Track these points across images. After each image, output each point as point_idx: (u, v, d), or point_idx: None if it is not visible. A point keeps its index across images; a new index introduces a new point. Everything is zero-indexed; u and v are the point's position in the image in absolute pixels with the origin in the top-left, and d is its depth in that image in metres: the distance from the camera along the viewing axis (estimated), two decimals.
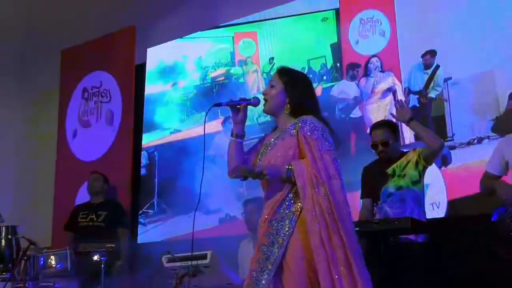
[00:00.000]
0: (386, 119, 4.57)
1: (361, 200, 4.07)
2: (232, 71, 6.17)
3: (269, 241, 2.63)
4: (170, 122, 6.45)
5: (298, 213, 2.62)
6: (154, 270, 4.77)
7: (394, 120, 4.12)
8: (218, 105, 2.85)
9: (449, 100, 4.77)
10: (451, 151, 4.60)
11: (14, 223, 5.33)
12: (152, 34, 6.63)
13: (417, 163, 3.81)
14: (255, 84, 6.05)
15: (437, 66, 4.86)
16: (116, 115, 6.74)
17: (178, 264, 4.21)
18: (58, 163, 7.06)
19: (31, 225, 6.17)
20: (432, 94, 4.86)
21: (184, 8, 6.41)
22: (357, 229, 3.31)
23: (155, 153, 6.42)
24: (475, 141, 4.55)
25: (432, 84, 4.87)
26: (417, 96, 4.95)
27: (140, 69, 6.64)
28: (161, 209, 6.26)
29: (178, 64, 6.54)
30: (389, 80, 5.12)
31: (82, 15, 7.07)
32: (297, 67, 5.63)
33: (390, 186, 3.84)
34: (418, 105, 4.92)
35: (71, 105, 7.18)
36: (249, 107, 2.84)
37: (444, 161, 4.58)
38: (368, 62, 5.29)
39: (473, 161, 4.49)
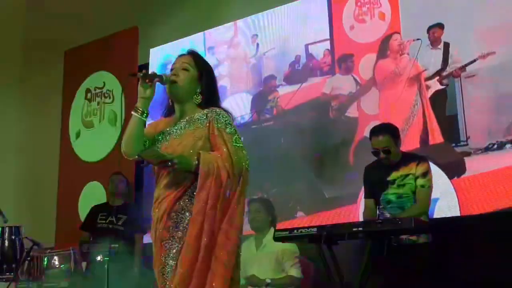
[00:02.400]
0: (386, 122, 4.18)
1: (364, 199, 4.07)
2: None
3: (168, 236, 2.52)
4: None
5: None
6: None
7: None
8: (133, 75, 2.69)
9: (463, 96, 4.10)
10: (464, 158, 4.06)
11: (17, 224, 5.33)
12: (155, 34, 6.63)
13: (416, 179, 3.79)
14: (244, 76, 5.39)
15: (447, 44, 4.23)
16: (119, 115, 6.74)
17: None
18: (62, 164, 7.07)
19: (34, 225, 6.17)
20: (448, 80, 4.18)
21: (187, 8, 6.41)
22: (361, 229, 3.33)
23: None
24: (494, 146, 3.94)
25: (448, 66, 4.17)
26: (433, 80, 4.26)
27: (143, 70, 6.62)
28: None
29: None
30: (411, 65, 4.42)
31: (85, 15, 7.07)
32: (290, 54, 5.10)
33: (390, 194, 3.85)
34: (436, 90, 4.25)
35: (74, 106, 7.19)
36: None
37: (456, 170, 4.10)
38: (389, 37, 4.57)
39: (491, 170, 3.91)
